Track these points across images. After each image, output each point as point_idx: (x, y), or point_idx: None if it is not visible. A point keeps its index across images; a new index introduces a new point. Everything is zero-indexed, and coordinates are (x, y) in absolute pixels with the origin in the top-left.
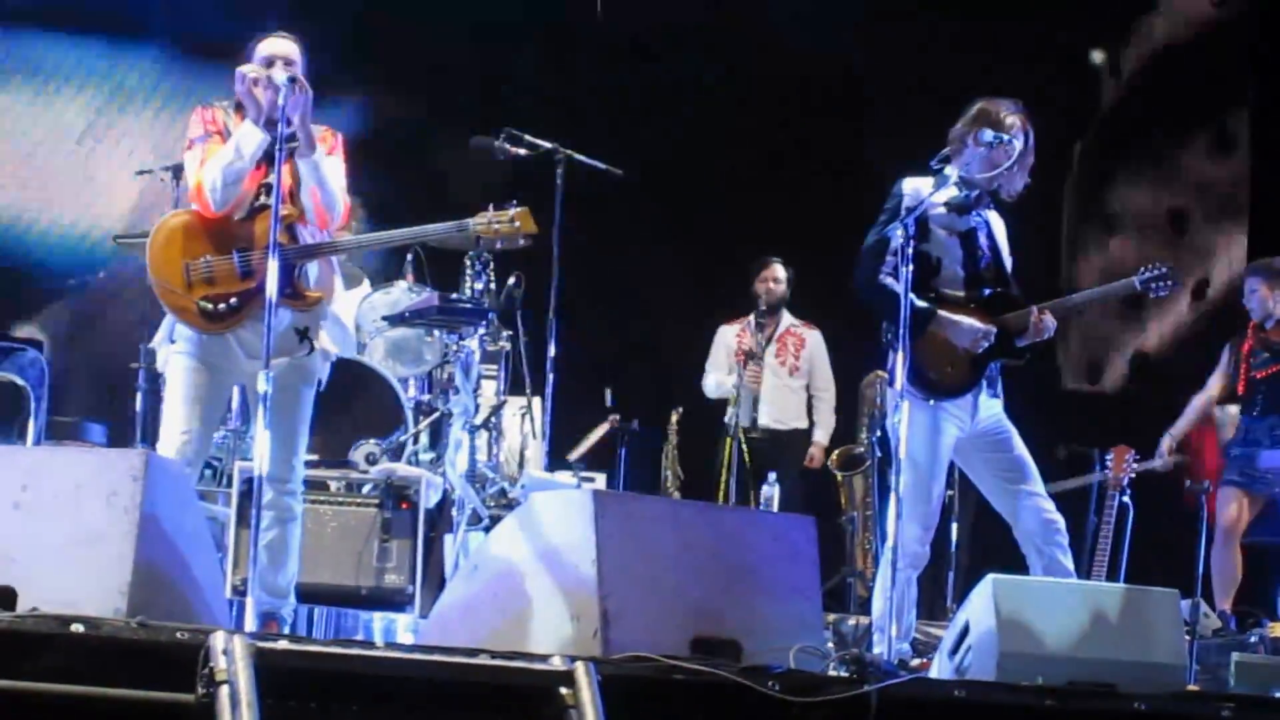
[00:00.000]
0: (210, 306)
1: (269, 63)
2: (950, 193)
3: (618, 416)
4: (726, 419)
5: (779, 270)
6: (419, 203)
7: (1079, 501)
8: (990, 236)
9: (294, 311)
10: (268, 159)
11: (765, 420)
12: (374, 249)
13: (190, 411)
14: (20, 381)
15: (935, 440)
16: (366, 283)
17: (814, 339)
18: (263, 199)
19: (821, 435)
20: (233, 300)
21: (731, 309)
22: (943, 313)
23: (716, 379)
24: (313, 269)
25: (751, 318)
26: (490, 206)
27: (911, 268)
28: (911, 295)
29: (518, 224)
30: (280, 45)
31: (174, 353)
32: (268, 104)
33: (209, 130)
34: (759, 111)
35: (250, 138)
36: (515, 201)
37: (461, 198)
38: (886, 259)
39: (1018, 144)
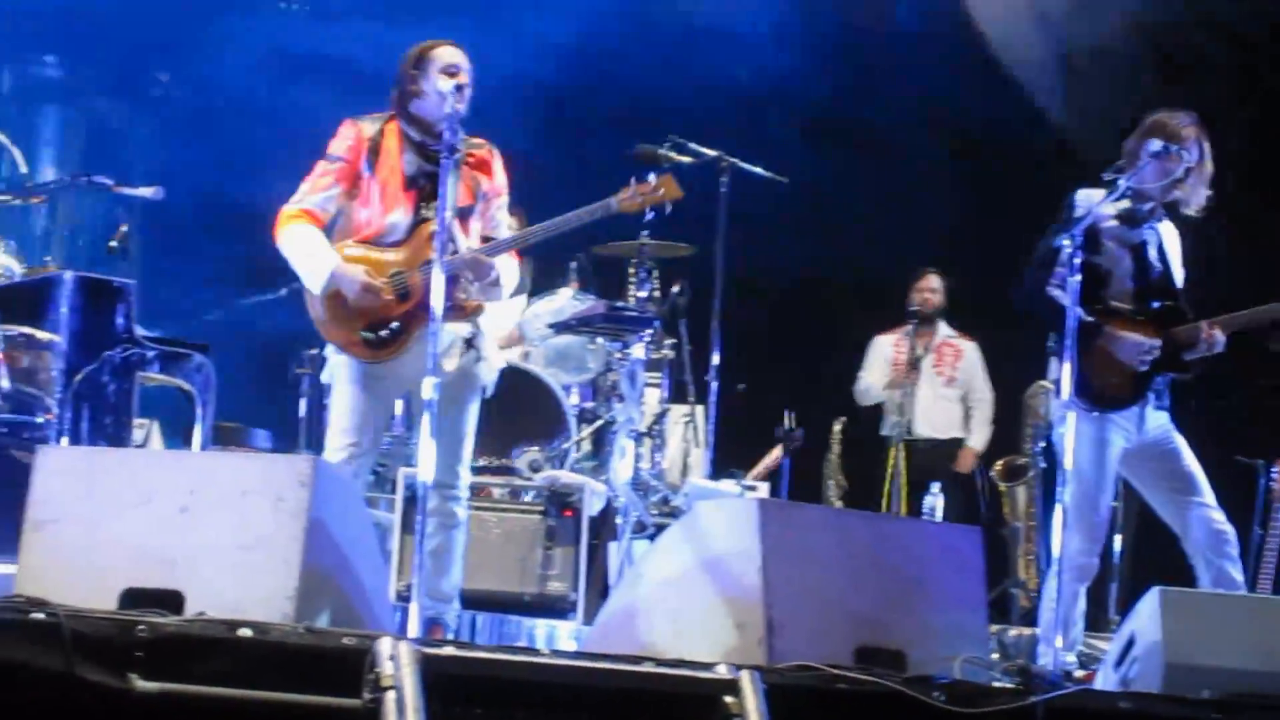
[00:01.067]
0: (372, 335)
1: (453, 71)
2: (1122, 205)
3: (797, 436)
4: (887, 429)
5: (934, 280)
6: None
7: (1245, 513)
8: (1161, 250)
9: (461, 323)
10: (426, 176)
11: (923, 430)
12: (526, 245)
13: (354, 422)
14: (188, 386)
15: (1102, 452)
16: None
17: (970, 350)
18: (421, 212)
19: (975, 441)
20: (394, 325)
21: (890, 318)
22: (1108, 327)
23: (867, 383)
24: (467, 279)
25: (909, 327)
26: (632, 180)
27: (1079, 278)
28: (1078, 308)
29: (661, 191)
30: (457, 55)
31: (338, 363)
32: (435, 114)
33: (342, 157)
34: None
35: (313, 281)
36: (657, 173)
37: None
38: (1055, 270)
39: (1189, 155)
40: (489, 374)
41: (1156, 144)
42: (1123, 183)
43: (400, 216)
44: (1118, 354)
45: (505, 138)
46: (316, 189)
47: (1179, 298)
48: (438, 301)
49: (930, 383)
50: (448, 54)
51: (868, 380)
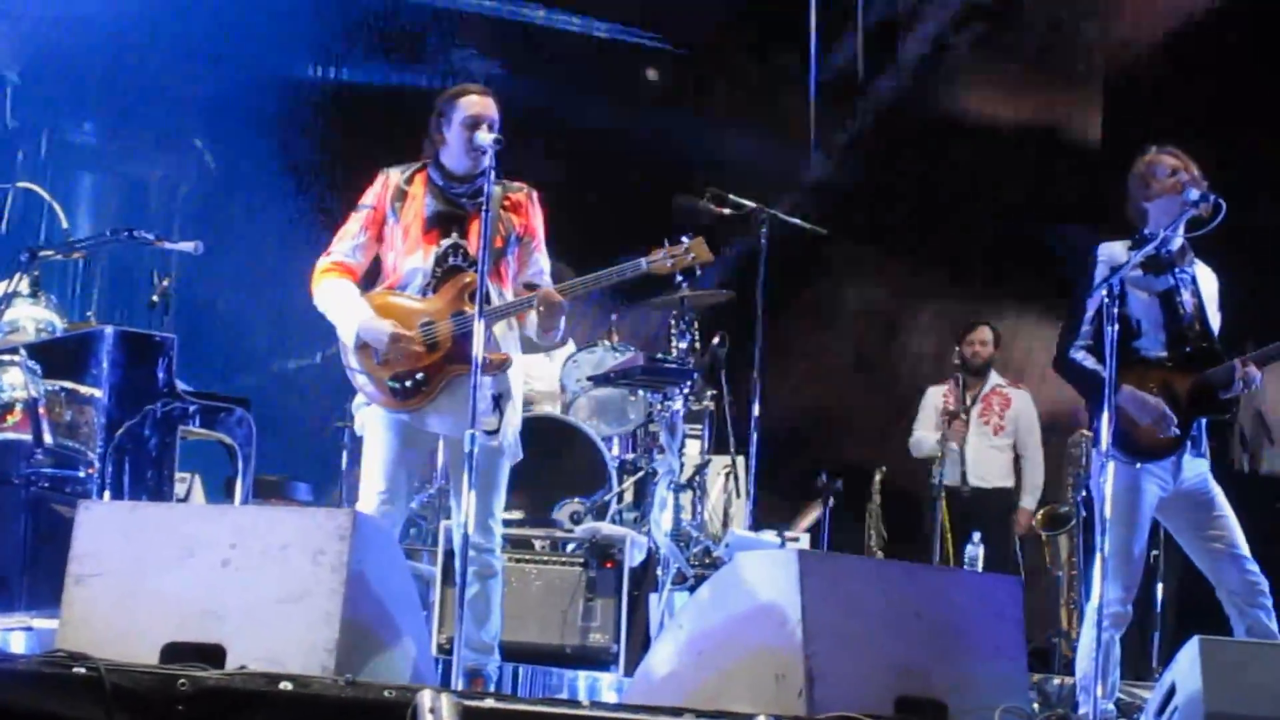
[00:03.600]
0: (398, 385)
1: (474, 124)
2: (1146, 253)
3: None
4: (932, 478)
5: (986, 333)
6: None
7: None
8: (1196, 293)
9: (488, 377)
10: (446, 221)
11: (970, 479)
12: (576, 295)
13: (387, 474)
14: (229, 441)
15: (1137, 500)
16: (571, 343)
17: (1020, 399)
18: (450, 260)
19: (1029, 500)
20: (419, 375)
21: (937, 371)
22: (1126, 388)
23: (922, 437)
24: (496, 330)
25: (959, 378)
26: (666, 242)
27: (1116, 329)
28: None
29: (692, 255)
30: (486, 105)
31: (370, 415)
32: (472, 166)
33: (370, 205)
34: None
35: (345, 334)
36: (688, 236)
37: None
38: (1081, 329)
39: (1183, 176)
40: (512, 436)
41: (1194, 194)
42: (1146, 232)
43: (419, 260)
44: (1138, 417)
45: None
46: (345, 237)
47: (1213, 340)
48: (479, 352)
49: (978, 432)
50: (470, 103)
51: (920, 433)
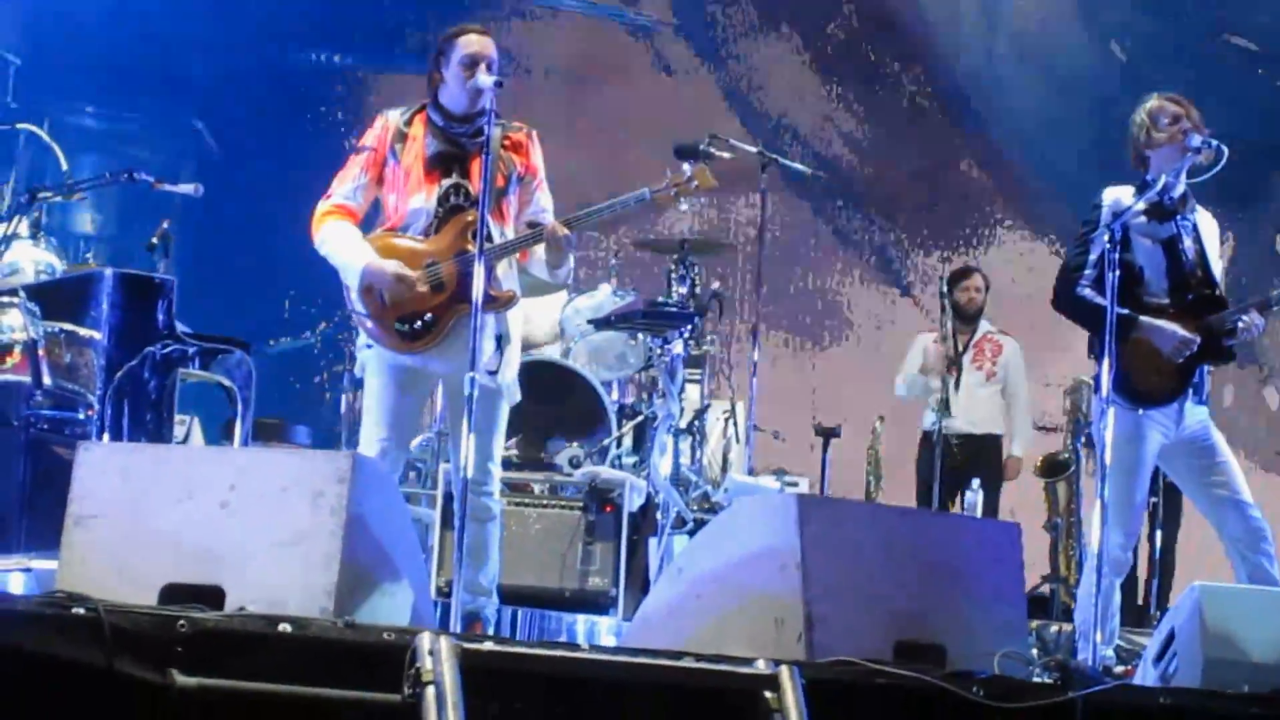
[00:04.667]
0: (406, 327)
1: (472, 63)
2: (1150, 198)
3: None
4: (927, 425)
5: (979, 280)
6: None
7: None
8: (1198, 240)
9: (493, 315)
10: (448, 161)
11: (961, 425)
12: (581, 228)
13: (387, 419)
14: (228, 383)
15: (1139, 448)
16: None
17: (1011, 346)
18: (452, 200)
19: (1018, 448)
20: (427, 317)
21: (931, 317)
22: (1144, 319)
23: (909, 378)
24: (499, 269)
25: (950, 325)
26: (667, 171)
27: (1117, 275)
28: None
29: (695, 183)
30: (484, 44)
31: (371, 358)
32: (469, 105)
33: (370, 146)
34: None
35: (349, 277)
36: (691, 163)
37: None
38: (1085, 272)
39: (1186, 123)
40: (510, 377)
41: (1196, 139)
42: (1150, 176)
43: (422, 201)
44: (1158, 344)
45: None
46: (345, 180)
47: (1216, 287)
48: (479, 294)
49: (970, 377)
50: (468, 42)
51: (906, 376)
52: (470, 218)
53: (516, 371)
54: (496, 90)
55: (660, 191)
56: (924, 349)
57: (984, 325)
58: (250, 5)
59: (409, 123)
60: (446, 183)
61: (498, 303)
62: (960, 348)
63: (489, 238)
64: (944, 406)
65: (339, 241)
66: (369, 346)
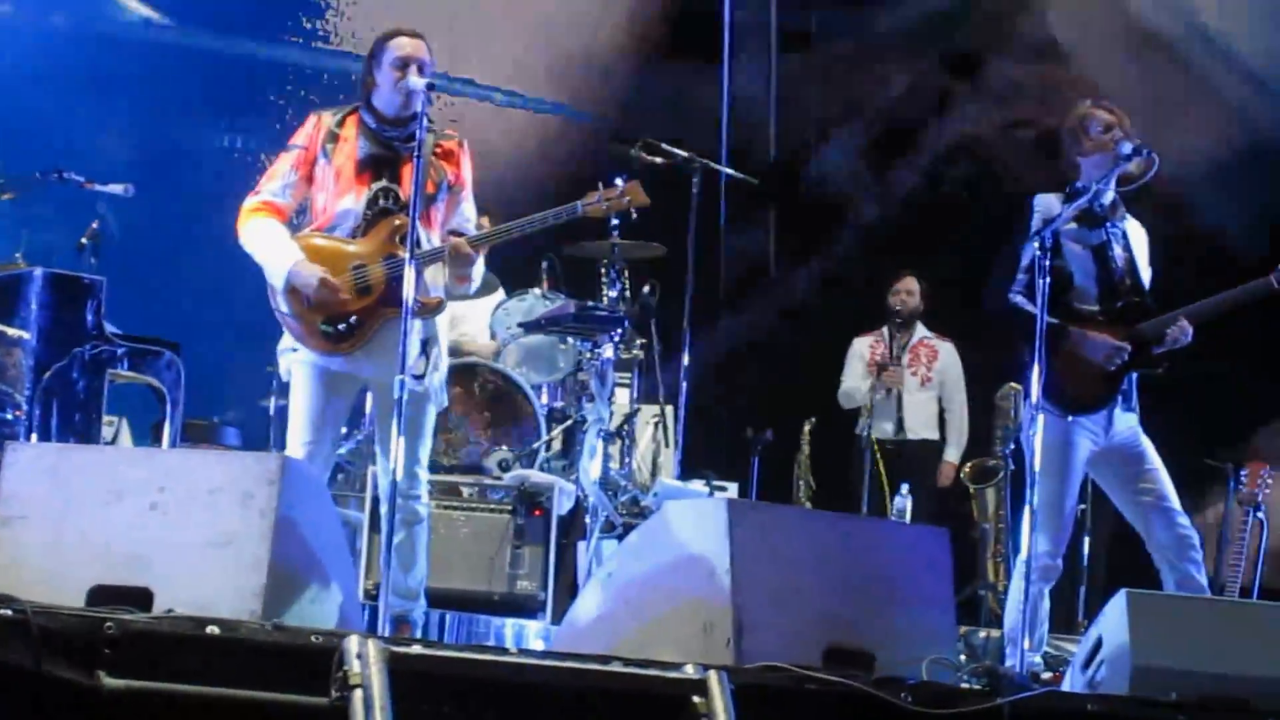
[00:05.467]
0: (331, 329)
1: (403, 64)
2: (1080, 206)
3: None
4: (858, 429)
5: (912, 283)
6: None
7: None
8: (1127, 248)
9: (420, 320)
10: (378, 164)
11: (895, 431)
12: (494, 243)
13: (312, 421)
14: (157, 384)
15: (1068, 454)
16: (501, 289)
17: (946, 351)
18: (381, 203)
19: (953, 454)
20: (352, 319)
21: (866, 320)
22: (1074, 329)
23: (853, 388)
24: (428, 275)
25: (885, 329)
26: (599, 185)
27: (1048, 282)
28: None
29: (627, 198)
30: (415, 46)
31: (295, 361)
32: (401, 108)
33: (301, 145)
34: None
35: (274, 276)
36: (624, 178)
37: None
38: (1017, 277)
39: (1116, 131)
40: (438, 380)
41: (1127, 147)
42: (1083, 185)
43: (351, 202)
44: (1087, 355)
45: None
46: (274, 177)
47: (1145, 295)
48: (410, 297)
49: (906, 383)
50: (399, 44)
51: (850, 384)
52: (399, 222)
53: (444, 376)
54: (428, 94)
55: (591, 206)
56: (861, 360)
57: (920, 330)
58: None
59: (341, 124)
60: (376, 186)
61: (425, 309)
62: (895, 352)
63: (418, 243)
64: (878, 413)
65: (265, 240)
66: (294, 350)
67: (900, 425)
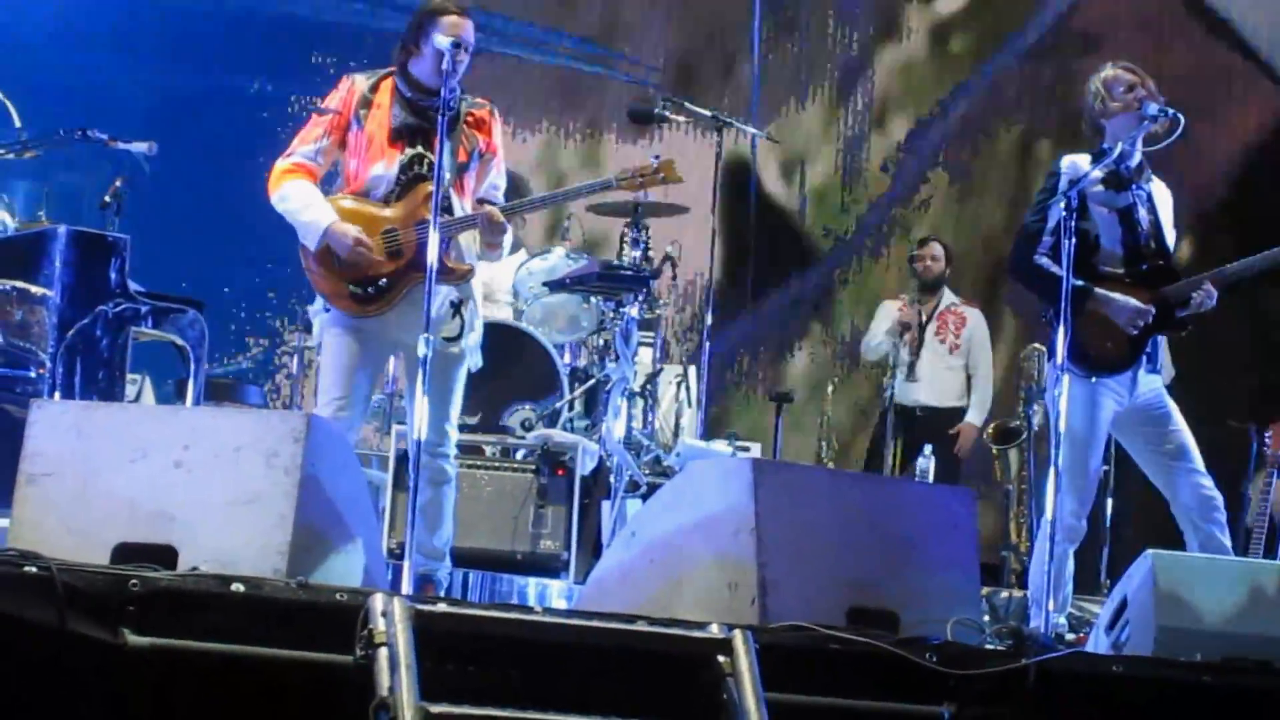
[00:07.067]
0: (360, 290)
1: (453, 45)
2: (1107, 167)
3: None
4: (884, 391)
5: (936, 248)
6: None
7: (1237, 478)
8: (1152, 210)
9: (448, 285)
10: (413, 132)
11: (923, 398)
12: (524, 214)
13: (343, 380)
14: (181, 342)
15: (1093, 415)
16: (524, 249)
17: (974, 317)
18: (414, 170)
19: (975, 416)
20: (382, 281)
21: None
22: (1099, 290)
23: (874, 342)
24: (463, 239)
25: (912, 294)
26: (635, 161)
27: (1074, 243)
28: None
29: (661, 175)
30: (465, 26)
31: (327, 321)
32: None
33: (334, 109)
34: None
35: (309, 237)
36: (657, 157)
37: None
38: (1043, 239)
39: (1143, 91)
40: (474, 341)
41: (1153, 108)
42: (1110, 146)
43: (383, 169)
44: (1112, 316)
45: None
46: (307, 140)
47: (1170, 257)
48: (434, 261)
49: (933, 350)
50: (451, 23)
51: (874, 339)
52: (430, 188)
53: (480, 337)
54: (454, 53)
55: (626, 181)
56: (889, 318)
57: (947, 296)
58: None
59: (374, 89)
60: (410, 153)
61: (454, 275)
62: (924, 318)
63: (450, 210)
64: (909, 371)
65: (300, 199)
66: (326, 310)
67: (917, 394)
